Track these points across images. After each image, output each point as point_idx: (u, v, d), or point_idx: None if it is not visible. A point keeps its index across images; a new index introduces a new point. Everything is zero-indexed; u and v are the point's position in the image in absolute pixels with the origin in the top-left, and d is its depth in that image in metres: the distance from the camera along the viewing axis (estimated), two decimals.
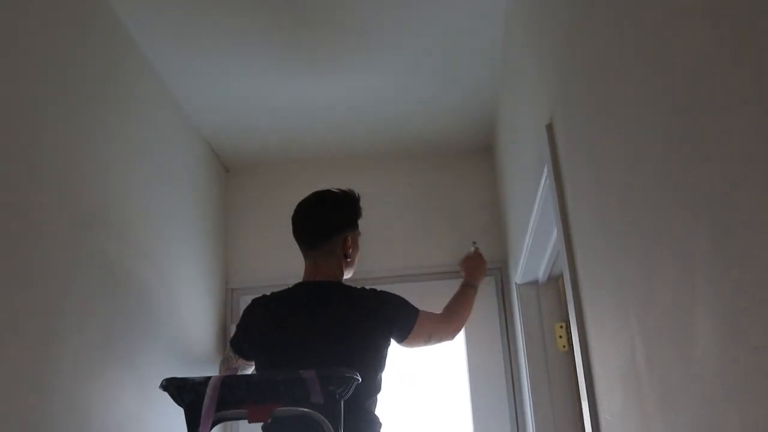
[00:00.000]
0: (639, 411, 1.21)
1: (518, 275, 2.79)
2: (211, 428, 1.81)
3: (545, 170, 1.88)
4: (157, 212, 2.52)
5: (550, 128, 1.84)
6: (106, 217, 2.12)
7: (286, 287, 2.36)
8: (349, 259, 2.40)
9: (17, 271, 1.64)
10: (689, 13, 0.86)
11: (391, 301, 2.34)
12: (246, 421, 2.13)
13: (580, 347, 1.59)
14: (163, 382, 1.83)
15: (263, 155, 3.41)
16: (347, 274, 2.42)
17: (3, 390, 1.55)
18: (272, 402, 1.81)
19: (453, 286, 3.14)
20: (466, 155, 3.43)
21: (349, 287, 2.34)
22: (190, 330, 2.75)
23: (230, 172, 3.49)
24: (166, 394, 1.88)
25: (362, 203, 3.29)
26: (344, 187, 2.44)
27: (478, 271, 2.79)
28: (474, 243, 2.98)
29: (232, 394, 1.81)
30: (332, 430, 1.77)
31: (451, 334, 2.59)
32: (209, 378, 1.79)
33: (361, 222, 3.28)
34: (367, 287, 2.35)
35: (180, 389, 1.83)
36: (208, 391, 1.77)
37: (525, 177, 2.39)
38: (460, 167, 3.41)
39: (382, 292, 2.37)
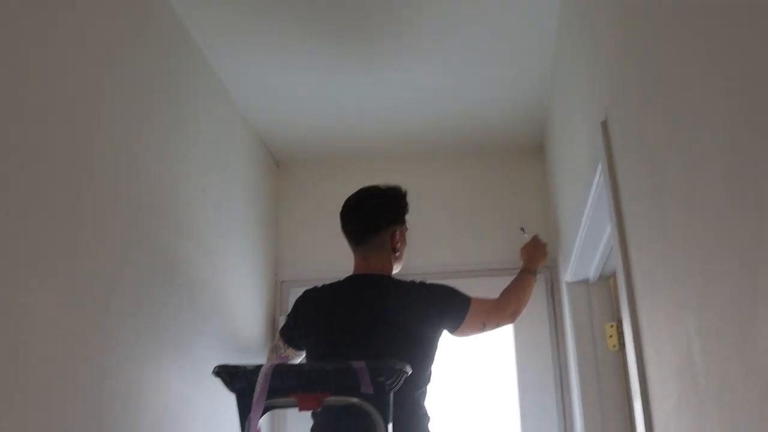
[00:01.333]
0: (695, 407, 1.20)
1: (569, 274, 2.77)
2: (262, 415, 1.85)
3: (599, 167, 1.87)
4: (209, 203, 2.56)
5: (605, 125, 1.82)
6: (160, 205, 2.17)
7: (334, 280, 2.38)
8: (397, 254, 2.42)
9: (74, 254, 1.69)
10: (755, 8, 0.85)
11: (441, 292, 2.36)
12: (296, 409, 2.21)
13: (634, 344, 1.57)
14: (216, 368, 1.87)
15: (313, 150, 3.43)
16: (396, 269, 2.43)
17: (61, 369, 1.60)
18: (322, 391, 1.83)
19: (502, 284, 3.16)
20: (517, 153, 3.41)
21: (399, 280, 2.36)
22: (240, 319, 2.79)
23: (280, 166, 3.53)
24: (217, 380, 1.92)
25: (412, 199, 3.31)
26: (392, 183, 2.45)
27: (536, 256, 2.78)
28: (522, 228, 2.98)
29: (283, 383, 1.83)
30: (381, 420, 1.79)
31: (508, 318, 2.58)
32: (260, 366, 1.82)
33: (409, 217, 3.30)
34: (417, 280, 2.36)
35: (232, 376, 1.86)
36: (260, 379, 1.80)
37: (577, 175, 2.37)
38: (510, 165, 3.40)
39: (431, 283, 2.38)
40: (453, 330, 2.39)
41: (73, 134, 1.72)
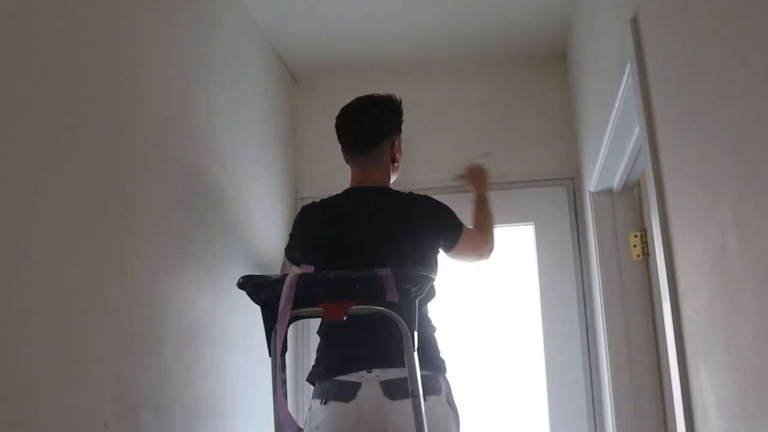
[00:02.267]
0: (730, 302, 1.17)
1: (592, 183, 2.73)
2: (288, 326, 1.85)
3: (628, 66, 1.81)
4: (227, 119, 2.52)
5: (634, 22, 1.75)
6: (182, 123, 2.13)
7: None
8: (396, 164, 2.37)
9: (97, 172, 1.67)
10: None
11: (441, 207, 2.33)
12: (320, 319, 2.21)
13: (663, 245, 1.54)
14: (241, 279, 1.86)
15: (331, 63, 3.37)
16: (392, 180, 2.38)
17: (86, 286, 1.60)
18: (347, 300, 1.82)
19: (521, 196, 3.14)
20: (538, 62, 3.32)
21: (399, 192, 2.32)
22: (261, 236, 2.79)
23: (298, 81, 3.47)
24: (240, 296, 1.92)
25: (431, 111, 3.27)
26: (383, 93, 2.38)
27: (485, 182, 2.80)
28: (487, 154, 2.93)
29: (308, 292, 1.83)
30: (407, 328, 1.79)
31: (489, 252, 2.61)
32: (286, 275, 1.82)
33: (423, 129, 3.27)
34: (414, 192, 2.33)
35: (257, 286, 1.86)
36: (285, 288, 1.79)
37: (604, 78, 2.31)
38: (532, 75, 3.31)
39: (432, 198, 2.34)
40: (448, 249, 2.37)
41: (95, 49, 1.68)
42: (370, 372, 2.02)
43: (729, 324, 1.18)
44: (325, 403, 2.05)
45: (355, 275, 1.81)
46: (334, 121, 2.37)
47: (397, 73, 3.35)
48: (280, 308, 1.78)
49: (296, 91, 3.45)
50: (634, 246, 2.69)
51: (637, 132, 2.13)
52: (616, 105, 2.04)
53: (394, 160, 2.35)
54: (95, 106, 1.68)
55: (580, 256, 3.05)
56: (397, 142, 2.36)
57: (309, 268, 1.84)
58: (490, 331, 3.10)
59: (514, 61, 3.32)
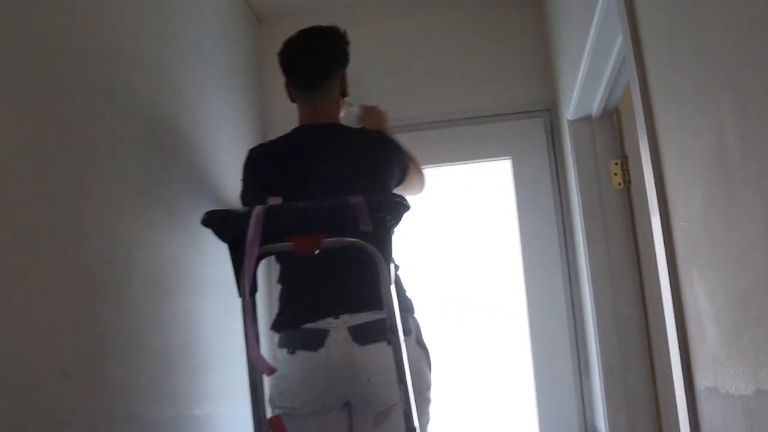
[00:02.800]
0: (728, 200, 1.09)
1: (570, 111, 2.63)
2: (257, 262, 1.75)
3: None
4: (188, 58, 2.38)
5: None
6: (136, 55, 2.00)
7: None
8: (346, 98, 2.24)
9: (39, 103, 1.54)
10: None
11: (391, 142, 2.19)
12: (280, 266, 2.10)
13: (650, 151, 1.45)
14: (205, 216, 1.76)
15: (295, 3, 3.22)
16: (341, 115, 2.24)
17: (36, 224, 1.49)
18: (318, 232, 1.72)
19: (497, 131, 3.04)
20: None
21: (352, 128, 2.18)
22: (230, 180, 2.67)
23: (262, 21, 3.32)
24: (212, 242, 1.81)
25: (400, 48, 3.14)
26: (325, 24, 2.23)
27: (381, 123, 2.51)
28: (351, 103, 2.68)
29: (277, 226, 1.73)
30: (381, 258, 1.69)
31: (424, 186, 2.45)
32: (252, 209, 1.71)
33: (400, 65, 3.14)
34: (364, 128, 2.19)
35: (222, 222, 1.75)
36: (252, 222, 1.68)
37: None
38: (503, 2, 3.18)
39: (383, 133, 2.21)
40: (398, 183, 2.21)
41: None
42: (338, 318, 1.92)
43: (728, 224, 1.09)
44: (292, 353, 1.94)
45: (326, 204, 1.71)
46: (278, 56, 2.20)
47: (365, 11, 3.21)
48: (247, 244, 1.67)
49: (260, 32, 3.31)
50: (615, 174, 2.61)
51: (618, 46, 2.04)
52: (595, 21, 1.93)
53: (344, 94, 2.22)
54: (33, 30, 1.54)
55: (560, 189, 2.97)
56: (346, 75, 2.23)
57: (276, 200, 1.74)
58: (467, 271, 3.03)
59: None
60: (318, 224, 1.73)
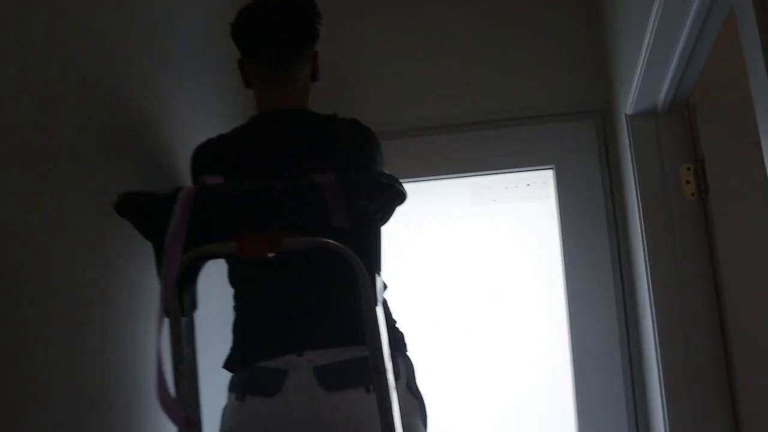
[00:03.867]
0: None
1: (630, 104, 2.09)
2: (192, 268, 1.25)
3: None
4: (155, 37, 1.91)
5: None
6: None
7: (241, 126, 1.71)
8: (317, 81, 1.74)
9: None
10: None
11: (372, 132, 1.65)
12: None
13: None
14: (119, 201, 1.25)
15: None
16: (309, 101, 1.74)
17: None
18: (274, 228, 1.21)
19: (538, 135, 2.52)
20: None
21: (320, 115, 1.67)
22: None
23: None
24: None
25: (433, 34, 2.63)
26: None
27: None
28: None
29: (217, 217, 1.22)
30: (362, 266, 1.17)
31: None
32: (179, 189, 1.20)
33: (428, 56, 2.64)
34: (339, 115, 1.68)
35: (140, 210, 1.25)
36: (176, 209, 1.18)
37: None
38: None
39: (361, 124, 1.66)
40: None
41: None
42: (301, 355, 1.44)
43: None
44: (241, 399, 1.47)
45: (283, 186, 1.19)
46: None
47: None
48: (167, 238, 1.16)
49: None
50: (687, 182, 2.06)
51: (696, 7, 1.52)
52: None
53: (315, 77, 1.72)
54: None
55: (614, 203, 2.42)
56: (318, 55, 1.73)
57: (216, 179, 1.24)
58: (498, 303, 2.48)
59: None
60: (274, 217, 1.22)
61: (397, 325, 1.56)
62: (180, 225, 1.16)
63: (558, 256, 2.42)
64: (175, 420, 1.11)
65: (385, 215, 1.24)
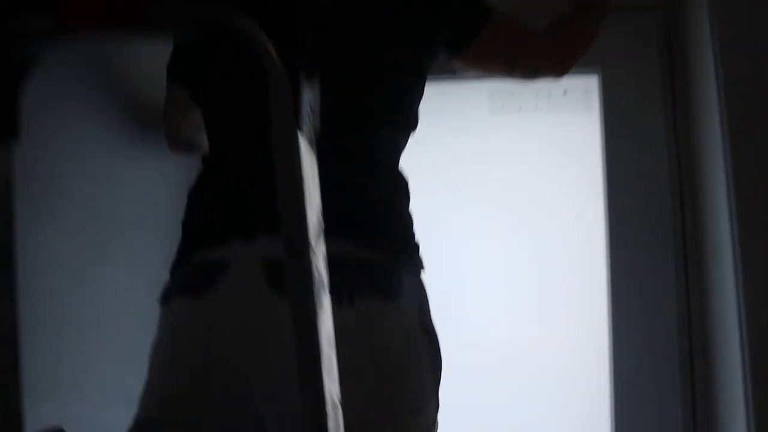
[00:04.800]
0: None
1: None
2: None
3: None
4: None
5: None
6: None
7: None
8: None
9: None
10: None
11: None
12: None
13: None
14: None
15: None
16: None
17: None
18: None
19: None
20: None
21: None
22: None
23: None
24: None
25: None
26: None
27: None
28: None
29: None
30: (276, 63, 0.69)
31: (555, 67, 1.52)
32: None
33: None
34: None
35: None
36: None
37: None
38: None
39: None
40: (456, 52, 1.37)
41: None
42: (250, 242, 1.09)
43: None
44: (166, 303, 1.16)
45: None
46: None
47: None
48: None
49: None
50: None
51: None
52: None
53: None
54: None
55: (675, 121, 1.90)
56: None
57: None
58: (518, 248, 1.97)
59: None
60: None
61: (413, 230, 1.20)
62: None
63: (599, 186, 1.92)
64: None
65: None
